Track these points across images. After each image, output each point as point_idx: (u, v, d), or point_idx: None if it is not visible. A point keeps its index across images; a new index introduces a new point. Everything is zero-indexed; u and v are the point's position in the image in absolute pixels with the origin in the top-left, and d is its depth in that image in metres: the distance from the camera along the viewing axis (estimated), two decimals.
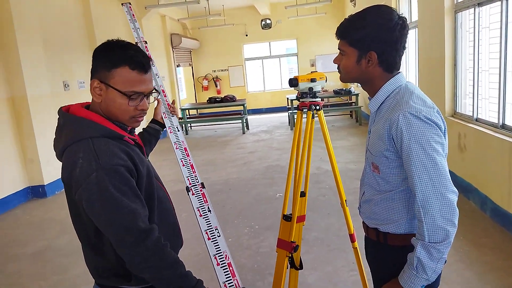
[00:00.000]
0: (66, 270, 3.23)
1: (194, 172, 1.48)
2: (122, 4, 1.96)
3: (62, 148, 1.17)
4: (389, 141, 1.20)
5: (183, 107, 10.11)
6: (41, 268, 3.35)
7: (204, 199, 1.37)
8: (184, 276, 1.16)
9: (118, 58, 1.16)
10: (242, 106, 10.00)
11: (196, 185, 1.39)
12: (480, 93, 3.95)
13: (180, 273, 1.16)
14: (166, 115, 1.67)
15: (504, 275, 2.67)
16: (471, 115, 4.08)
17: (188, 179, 1.43)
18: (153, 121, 1.70)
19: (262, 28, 12.61)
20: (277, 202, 4.44)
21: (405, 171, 1.18)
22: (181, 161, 1.50)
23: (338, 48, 1.33)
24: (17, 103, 5.15)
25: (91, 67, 1.21)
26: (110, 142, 1.15)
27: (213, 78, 13.06)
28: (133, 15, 1.90)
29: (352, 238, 2.09)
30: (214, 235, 1.31)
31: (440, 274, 1.26)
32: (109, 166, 1.09)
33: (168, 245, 1.16)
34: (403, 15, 1.25)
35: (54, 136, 1.24)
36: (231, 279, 1.26)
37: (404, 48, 1.26)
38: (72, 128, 1.17)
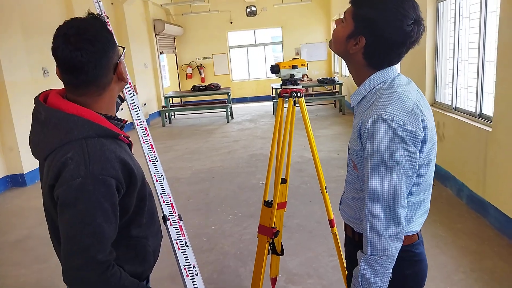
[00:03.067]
0: (47, 259, 3.20)
1: (154, 151, 1.41)
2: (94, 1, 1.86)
3: (48, 150, 1.04)
4: (360, 140, 1.13)
5: (166, 95, 10.00)
6: (22, 257, 3.31)
7: (182, 232, 1.27)
8: (127, 287, 1.07)
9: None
10: (226, 95, 9.95)
11: (173, 215, 1.29)
12: (459, 83, 4.03)
13: (124, 285, 1.06)
14: (128, 92, 1.60)
15: (478, 259, 2.77)
16: (450, 104, 4.16)
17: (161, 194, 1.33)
18: None
19: (247, 16, 12.50)
20: (261, 190, 4.47)
21: (364, 174, 1.12)
22: (142, 138, 1.43)
23: (344, 15, 1.19)
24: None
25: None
26: (105, 146, 1.04)
27: (197, 66, 12.93)
28: (104, 11, 1.82)
29: (331, 223, 2.14)
30: (193, 273, 1.23)
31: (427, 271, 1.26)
32: (99, 176, 0.99)
33: (116, 272, 1.04)
34: (420, 17, 1.10)
35: (31, 130, 1.10)
36: None
37: (407, 50, 1.14)
38: (62, 127, 1.03)
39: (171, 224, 1.27)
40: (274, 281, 2.54)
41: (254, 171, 5.24)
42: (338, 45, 1.19)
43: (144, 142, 1.43)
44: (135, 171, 1.10)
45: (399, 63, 1.20)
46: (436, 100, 4.56)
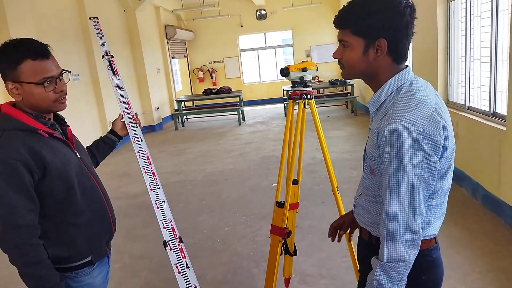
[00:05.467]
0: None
1: (155, 179, 1.51)
2: (89, 19, 1.97)
3: None
4: (378, 147, 1.12)
5: (178, 99, 10.10)
6: None
7: (182, 254, 1.35)
8: (43, 277, 1.28)
9: (17, 55, 1.26)
10: (238, 98, 10.01)
11: (173, 239, 1.38)
12: (472, 82, 3.99)
13: (39, 274, 1.27)
14: (130, 126, 1.71)
15: (493, 259, 2.74)
16: (463, 103, 4.13)
17: (162, 222, 1.42)
18: (112, 131, 1.77)
19: (257, 19, 12.56)
20: (273, 192, 4.49)
21: (382, 180, 1.11)
22: (143, 168, 1.53)
23: (339, 40, 1.18)
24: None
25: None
26: (17, 136, 1.26)
27: (208, 70, 13.03)
28: (100, 29, 1.93)
29: None
30: (184, 268, 1.31)
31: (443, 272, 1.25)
32: (4, 159, 1.22)
33: (39, 245, 1.28)
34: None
35: None
36: None
37: (413, 33, 1.14)
38: None
39: (171, 249, 1.35)
40: (287, 281, 2.55)
41: (266, 173, 5.26)
42: (357, 66, 1.16)
43: (145, 172, 1.52)
44: (47, 158, 1.28)
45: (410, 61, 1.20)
46: (449, 99, 4.52)
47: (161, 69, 10.41)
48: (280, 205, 2.12)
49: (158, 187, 1.49)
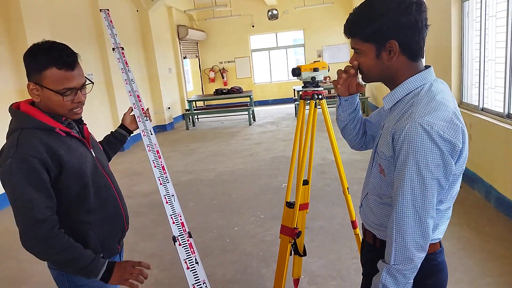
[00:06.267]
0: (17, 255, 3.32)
1: (165, 173, 1.50)
2: (100, 10, 1.98)
3: (7, 136, 1.35)
4: (392, 146, 1.11)
5: (190, 99, 10.16)
6: None
7: (191, 249, 1.34)
8: (78, 257, 1.30)
9: (45, 61, 1.28)
10: (248, 98, 10.03)
11: (183, 234, 1.36)
12: (486, 83, 3.94)
13: (73, 257, 1.30)
14: (140, 119, 1.70)
15: (505, 263, 2.69)
16: (477, 104, 4.07)
17: (171, 217, 1.41)
18: (122, 126, 1.77)
19: (269, 19, 12.56)
20: (283, 192, 4.49)
21: (394, 181, 1.10)
22: (153, 162, 1.53)
23: (352, 48, 1.20)
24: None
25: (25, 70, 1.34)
26: (35, 134, 1.29)
27: (219, 70, 13.08)
28: (111, 21, 1.93)
29: (353, 225, 2.14)
30: (193, 264, 1.30)
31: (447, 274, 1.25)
32: (22, 156, 1.24)
33: (61, 232, 1.30)
34: None
35: None
36: None
37: (426, 27, 1.11)
38: (13, 120, 1.35)
39: (180, 245, 1.34)
40: (296, 282, 2.55)
41: (276, 173, 5.26)
42: (374, 71, 1.17)
43: (155, 166, 1.52)
44: (64, 157, 1.31)
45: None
46: (463, 100, 4.46)
47: (172, 69, 10.48)
48: (290, 205, 2.12)
49: (167, 181, 1.48)
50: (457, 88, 4.51)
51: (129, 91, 1.77)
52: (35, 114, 1.34)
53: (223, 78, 13.07)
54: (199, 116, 10.74)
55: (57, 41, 1.36)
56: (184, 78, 11.27)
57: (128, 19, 8.40)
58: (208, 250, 3.25)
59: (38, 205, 1.25)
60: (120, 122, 1.78)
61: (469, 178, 4.00)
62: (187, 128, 9.55)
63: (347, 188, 2.12)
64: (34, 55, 1.31)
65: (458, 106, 4.38)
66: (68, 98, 1.33)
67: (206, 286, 1.26)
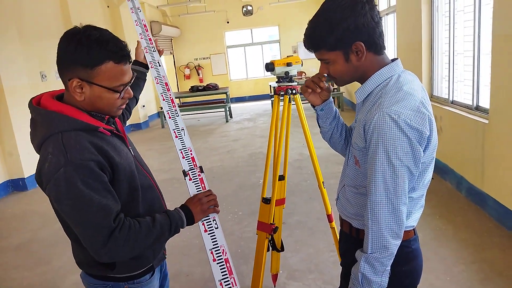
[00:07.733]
0: (50, 261, 3.22)
1: (174, 106, 1.41)
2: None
3: (38, 144, 1.14)
4: (364, 137, 1.13)
5: None
6: (25, 260, 3.33)
7: (202, 185, 1.28)
8: (159, 234, 1.17)
9: (101, 55, 1.10)
10: (225, 95, 9.97)
11: (193, 169, 1.30)
12: (455, 76, 4.04)
13: (156, 236, 1.16)
14: (148, 50, 1.56)
15: (478, 250, 2.78)
16: (447, 97, 4.18)
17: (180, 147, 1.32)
18: (136, 62, 1.62)
19: (244, 15, 12.51)
20: (261, 189, 4.47)
21: (367, 170, 1.13)
22: (161, 95, 1.43)
23: (319, 59, 1.21)
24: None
25: (57, 60, 1.13)
26: (80, 136, 1.10)
27: (195, 67, 12.94)
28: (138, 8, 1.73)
29: (329, 218, 2.15)
30: (212, 227, 1.28)
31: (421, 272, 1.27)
32: (78, 161, 1.05)
33: (132, 223, 1.13)
34: None
35: (30, 130, 1.20)
36: (227, 277, 1.22)
37: (381, 19, 1.15)
38: (44, 123, 1.13)
39: (190, 179, 1.30)
40: (275, 277, 2.55)
41: (254, 170, 5.26)
42: (346, 74, 1.19)
43: (164, 100, 1.45)
44: (115, 159, 1.15)
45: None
46: (433, 94, 4.57)
47: None
48: (266, 201, 2.11)
49: (177, 114, 1.40)
50: (428, 82, 4.61)
51: (136, 21, 1.67)
52: (73, 114, 1.13)
53: (198, 75, 12.93)
54: None
55: (89, 26, 1.15)
56: None
57: (99, 15, 8.18)
58: (186, 249, 3.21)
59: (111, 211, 1.08)
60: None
61: (441, 169, 4.11)
62: (163, 126, 9.41)
63: (323, 182, 2.13)
64: (87, 47, 1.08)
65: (429, 99, 4.50)
66: (122, 95, 1.17)
67: (216, 223, 1.29)
